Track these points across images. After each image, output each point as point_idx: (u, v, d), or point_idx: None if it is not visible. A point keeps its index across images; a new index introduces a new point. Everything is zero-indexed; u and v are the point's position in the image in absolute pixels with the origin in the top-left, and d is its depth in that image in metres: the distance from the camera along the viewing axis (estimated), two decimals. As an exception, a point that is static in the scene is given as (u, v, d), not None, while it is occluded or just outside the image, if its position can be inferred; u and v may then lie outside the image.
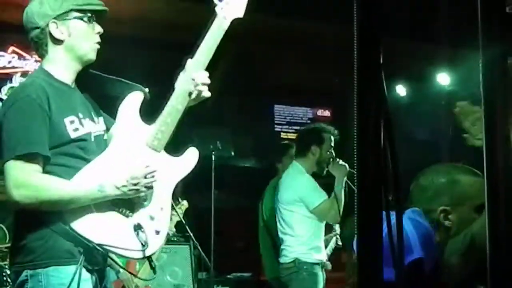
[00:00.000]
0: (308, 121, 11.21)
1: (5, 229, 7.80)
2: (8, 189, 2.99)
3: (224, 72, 9.90)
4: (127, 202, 3.18)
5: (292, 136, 11.06)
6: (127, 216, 3.16)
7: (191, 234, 5.58)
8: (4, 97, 8.94)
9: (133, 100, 3.37)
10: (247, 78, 9.98)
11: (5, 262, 6.18)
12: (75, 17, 3.24)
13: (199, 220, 6.40)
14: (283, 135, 11.03)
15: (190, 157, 3.43)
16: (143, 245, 3.12)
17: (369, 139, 1.45)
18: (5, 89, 9.05)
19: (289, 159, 7.48)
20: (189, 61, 3.37)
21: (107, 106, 3.45)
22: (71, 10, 3.23)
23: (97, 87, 3.44)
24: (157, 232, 3.23)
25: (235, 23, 3.39)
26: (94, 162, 3.17)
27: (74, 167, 3.14)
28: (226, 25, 3.38)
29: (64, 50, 3.24)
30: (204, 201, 7.16)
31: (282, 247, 5.96)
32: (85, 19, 3.26)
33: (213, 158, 7.19)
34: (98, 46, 3.30)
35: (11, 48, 9.14)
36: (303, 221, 5.82)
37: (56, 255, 3.04)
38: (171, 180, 3.37)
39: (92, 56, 3.29)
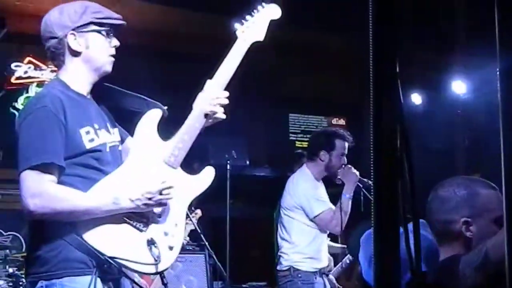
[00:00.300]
0: (323, 130, 11.20)
1: (21, 238, 7.84)
2: (23, 199, 2.99)
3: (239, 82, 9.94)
4: (142, 217, 3.17)
5: (307, 144, 11.05)
6: (141, 231, 3.16)
7: (206, 243, 5.58)
8: (21, 107, 8.98)
9: (152, 117, 3.39)
10: (262, 87, 9.98)
11: (22, 272, 6.20)
12: (93, 30, 3.25)
13: (214, 229, 6.39)
14: (297, 144, 11.02)
15: (206, 176, 3.46)
16: (155, 260, 3.11)
17: (385, 147, 1.44)
18: (21, 99, 9.10)
19: None
20: (208, 81, 3.43)
21: (123, 119, 3.47)
22: (91, 23, 3.25)
23: (117, 101, 3.45)
24: (171, 248, 3.23)
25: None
26: (110, 176, 3.18)
27: (89, 178, 3.14)
28: (245, 48, 3.47)
29: (81, 62, 3.26)
30: (219, 210, 7.16)
31: (279, 253, 5.84)
32: (103, 32, 3.27)
33: (228, 167, 7.19)
34: (113, 59, 3.32)
35: (27, 58, 9.19)
36: (301, 228, 5.69)
37: (71, 265, 3.03)
38: (186, 197, 3.38)
39: (108, 68, 3.31)
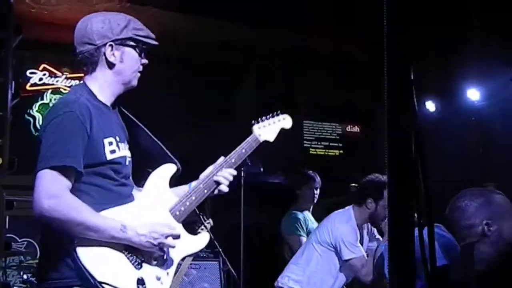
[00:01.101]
0: (337, 137, 11.18)
1: (36, 245, 7.86)
2: (38, 198, 2.98)
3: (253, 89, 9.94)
4: (139, 254, 3.19)
5: (321, 152, 11.04)
6: (135, 268, 3.16)
7: (221, 250, 5.59)
8: (35, 114, 9.01)
9: (166, 171, 3.48)
10: (276, 93, 9.98)
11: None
12: (130, 45, 3.32)
13: (228, 236, 6.38)
14: (311, 151, 11.00)
15: (202, 239, 3.56)
16: None
17: (400, 154, 1.44)
18: (36, 106, 9.14)
19: (308, 190, 7.46)
20: (221, 158, 3.61)
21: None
22: (130, 38, 3.31)
23: (139, 139, 3.49)
24: None
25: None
26: (120, 207, 3.20)
27: (105, 188, 3.16)
28: (258, 142, 3.76)
29: (112, 74, 3.31)
30: (233, 217, 7.15)
31: (285, 273, 5.90)
32: (138, 50, 3.34)
33: (242, 174, 7.18)
34: (139, 75, 3.39)
35: (42, 65, 9.23)
36: (322, 266, 5.71)
37: (79, 275, 3.03)
38: (181, 252, 3.42)
39: (135, 83, 3.38)
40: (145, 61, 3.38)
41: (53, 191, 2.98)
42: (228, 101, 9.90)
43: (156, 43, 3.41)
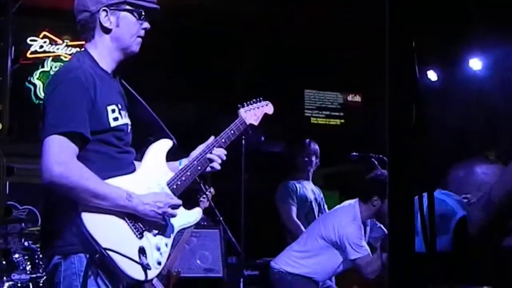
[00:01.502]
0: (338, 106, 11.16)
1: (37, 212, 7.89)
2: (47, 164, 2.97)
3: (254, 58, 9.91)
4: (141, 223, 3.21)
5: (322, 121, 11.02)
6: (137, 236, 3.18)
7: (221, 219, 5.61)
8: (36, 82, 9.00)
9: (164, 145, 3.52)
10: (277, 63, 9.95)
11: (37, 245, 6.26)
12: (126, 10, 3.29)
13: (229, 205, 6.40)
14: (313, 120, 10.99)
15: (195, 214, 3.60)
16: (146, 267, 3.15)
17: (401, 123, 1.44)
18: (36, 73, 9.11)
19: (302, 158, 7.44)
20: (212, 137, 3.66)
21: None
22: (124, 2, 3.28)
23: (138, 112, 3.50)
24: (159, 263, 3.27)
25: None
26: (122, 177, 3.21)
27: (109, 155, 3.18)
28: (245, 125, 3.86)
29: (110, 39, 3.29)
30: (234, 185, 7.17)
31: (285, 258, 5.96)
32: (135, 14, 3.31)
33: (243, 143, 7.18)
34: (141, 40, 3.36)
35: (43, 33, 9.20)
36: (325, 258, 5.76)
37: (83, 242, 3.05)
38: (178, 224, 3.45)
39: (135, 48, 3.36)
40: (146, 25, 3.35)
41: (62, 158, 2.97)
42: (228, 70, 9.87)
43: (155, 6, 3.39)
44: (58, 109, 3.04)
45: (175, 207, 3.30)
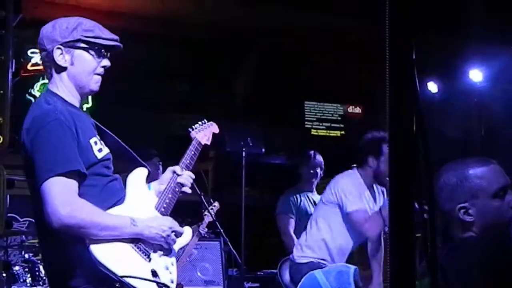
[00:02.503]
0: (339, 118, 11.18)
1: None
2: (52, 207, 2.93)
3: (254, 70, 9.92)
4: (148, 247, 3.20)
5: (322, 132, 11.04)
6: (145, 260, 3.18)
7: (222, 231, 5.60)
8: (37, 94, 9.01)
9: (141, 174, 3.51)
10: (278, 75, 9.97)
11: (38, 257, 6.25)
12: (81, 48, 3.23)
13: (229, 217, 6.40)
14: (313, 132, 11.01)
15: (187, 233, 3.58)
16: (165, 286, 3.17)
17: (402, 135, 1.44)
18: (37, 85, 9.12)
19: (307, 169, 7.43)
20: (177, 167, 3.66)
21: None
22: (79, 40, 3.22)
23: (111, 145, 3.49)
24: (172, 281, 3.27)
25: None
26: (118, 206, 3.21)
27: (102, 186, 3.17)
28: (201, 145, 3.95)
29: (67, 77, 3.24)
30: (234, 198, 7.17)
31: (297, 245, 5.85)
32: (92, 51, 3.25)
33: (244, 155, 7.19)
34: (100, 78, 3.30)
35: (44, 45, 9.20)
36: (331, 226, 5.63)
37: (96, 276, 3.01)
38: (178, 243, 3.45)
39: (94, 87, 3.29)
40: (106, 63, 3.28)
41: (66, 198, 2.94)
42: (228, 82, 9.89)
43: (114, 43, 3.31)
44: (48, 153, 3.00)
45: (177, 234, 3.31)
